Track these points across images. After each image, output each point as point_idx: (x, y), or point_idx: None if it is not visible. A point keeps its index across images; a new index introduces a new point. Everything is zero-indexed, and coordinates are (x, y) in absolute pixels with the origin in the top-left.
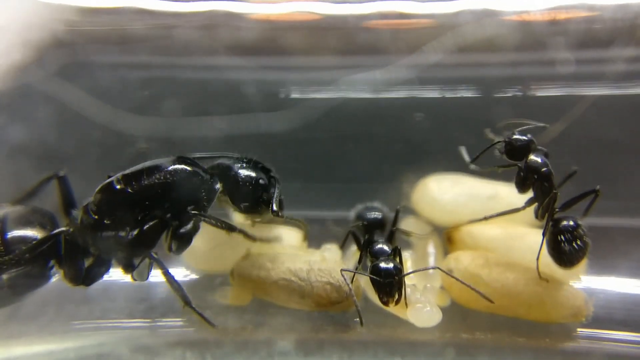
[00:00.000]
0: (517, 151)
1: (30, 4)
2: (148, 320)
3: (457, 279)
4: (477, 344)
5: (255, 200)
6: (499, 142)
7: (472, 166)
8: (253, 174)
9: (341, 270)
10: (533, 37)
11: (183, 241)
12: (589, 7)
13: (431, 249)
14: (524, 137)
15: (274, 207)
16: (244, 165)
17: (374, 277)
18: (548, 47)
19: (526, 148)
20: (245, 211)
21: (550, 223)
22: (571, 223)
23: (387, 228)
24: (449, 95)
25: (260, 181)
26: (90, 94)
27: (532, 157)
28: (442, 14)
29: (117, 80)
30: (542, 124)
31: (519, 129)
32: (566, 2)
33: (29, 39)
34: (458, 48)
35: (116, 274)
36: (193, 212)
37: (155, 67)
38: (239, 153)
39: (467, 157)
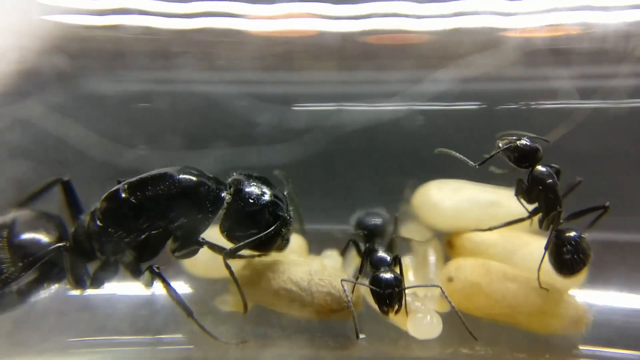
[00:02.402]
0: (522, 158)
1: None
2: (148, 336)
3: (451, 305)
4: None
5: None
6: (505, 148)
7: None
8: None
9: (341, 280)
10: (531, 53)
11: (189, 253)
12: (585, 25)
13: (432, 255)
14: (531, 144)
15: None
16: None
17: (374, 287)
18: (545, 63)
19: (532, 156)
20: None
21: (554, 234)
22: (575, 235)
23: (388, 235)
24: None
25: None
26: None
27: (539, 167)
28: (440, 30)
29: (113, 93)
30: (541, 137)
31: (526, 136)
32: (563, 19)
33: (25, 44)
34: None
35: (116, 288)
36: (200, 240)
37: (152, 81)
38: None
39: (464, 159)
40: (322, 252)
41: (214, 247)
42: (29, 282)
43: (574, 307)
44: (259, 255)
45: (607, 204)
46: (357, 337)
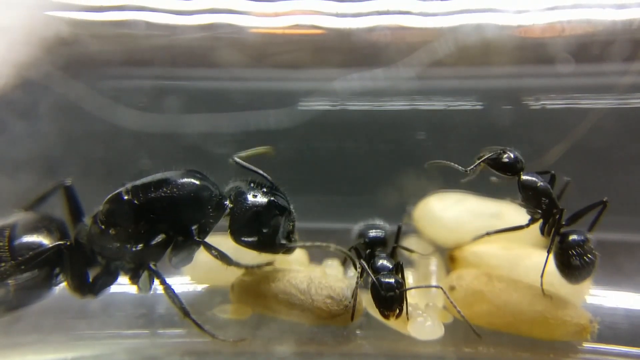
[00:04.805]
0: (505, 168)
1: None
2: (148, 330)
3: (453, 305)
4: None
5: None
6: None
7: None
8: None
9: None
10: (531, 50)
11: (184, 258)
12: (587, 22)
13: (433, 268)
14: (513, 156)
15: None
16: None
17: (375, 289)
18: (547, 60)
19: (513, 165)
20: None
21: (558, 238)
22: (580, 237)
23: (389, 245)
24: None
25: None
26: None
27: (524, 176)
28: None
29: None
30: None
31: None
32: (565, 17)
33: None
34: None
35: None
36: (197, 239)
37: (156, 78)
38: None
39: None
40: (322, 261)
41: (212, 249)
42: (29, 285)
43: (578, 315)
44: (265, 265)
45: (606, 199)
46: (352, 319)
